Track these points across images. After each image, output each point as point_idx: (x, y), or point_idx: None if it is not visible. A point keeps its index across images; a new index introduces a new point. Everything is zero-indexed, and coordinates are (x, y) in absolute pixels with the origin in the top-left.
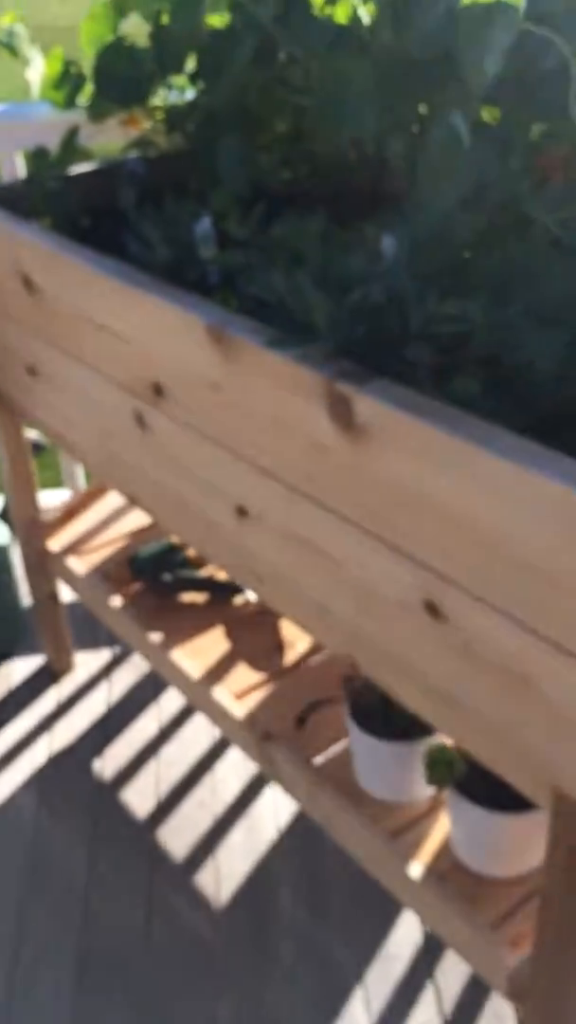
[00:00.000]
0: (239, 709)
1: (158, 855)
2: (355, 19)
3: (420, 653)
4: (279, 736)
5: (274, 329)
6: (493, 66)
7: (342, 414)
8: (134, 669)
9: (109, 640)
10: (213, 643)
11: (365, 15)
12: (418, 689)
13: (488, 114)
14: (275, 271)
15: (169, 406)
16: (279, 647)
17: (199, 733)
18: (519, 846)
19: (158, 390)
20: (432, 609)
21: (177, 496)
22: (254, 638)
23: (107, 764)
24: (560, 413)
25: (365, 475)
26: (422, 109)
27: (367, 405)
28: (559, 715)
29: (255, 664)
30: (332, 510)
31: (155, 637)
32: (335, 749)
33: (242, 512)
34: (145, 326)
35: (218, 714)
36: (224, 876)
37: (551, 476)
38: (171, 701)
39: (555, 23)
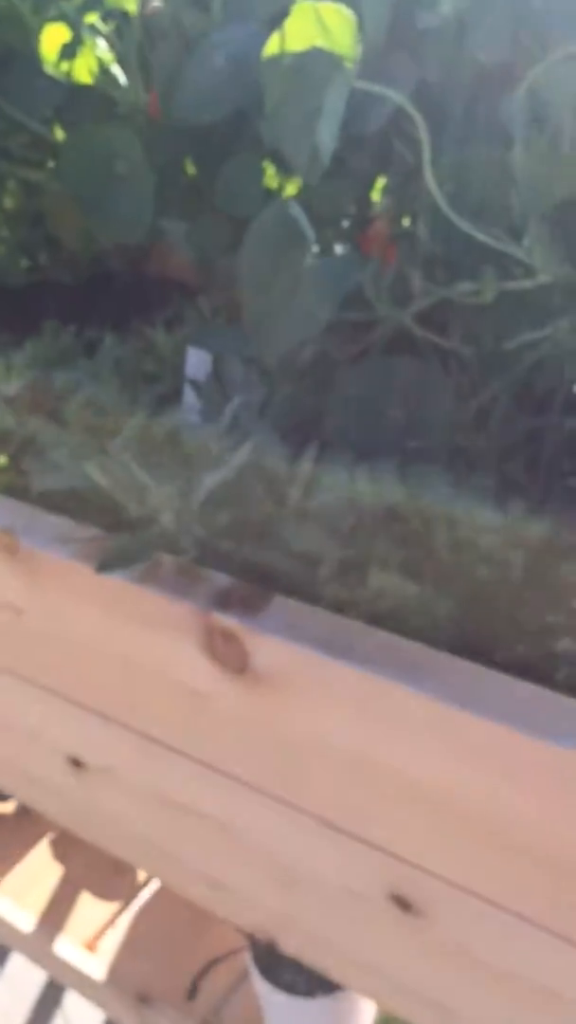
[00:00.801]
0: (96, 965)
1: None
2: (104, 77)
3: (388, 952)
4: (159, 996)
5: (92, 527)
6: (330, 143)
7: (229, 656)
8: None
9: None
10: (38, 871)
11: (120, 73)
12: (386, 990)
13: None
14: (77, 449)
15: None
16: None
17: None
18: None
19: None
20: (401, 902)
21: None
22: (89, 853)
23: None
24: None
25: (272, 731)
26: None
27: (266, 645)
28: None
29: (100, 891)
30: (222, 772)
31: None
32: (236, 1003)
33: (77, 764)
34: None
35: (69, 974)
36: None
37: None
38: None
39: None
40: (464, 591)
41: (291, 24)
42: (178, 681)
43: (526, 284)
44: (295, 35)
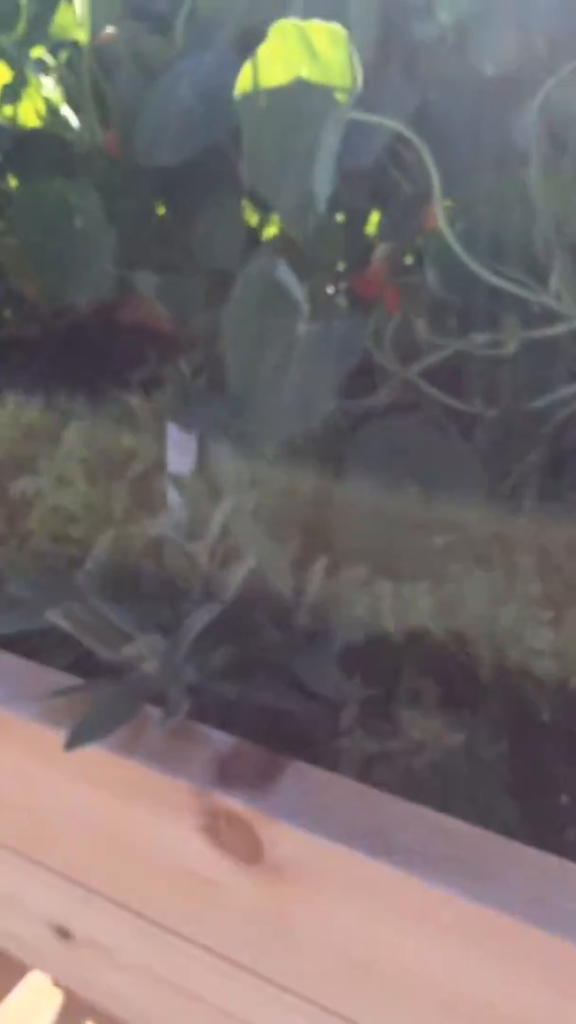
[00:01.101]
0: None
1: None
2: (54, 119)
3: None
4: None
5: (59, 671)
6: (325, 189)
7: (237, 843)
8: None
9: None
10: (33, 1000)
11: (72, 116)
12: None
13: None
14: (41, 580)
15: None
16: None
17: None
18: None
19: None
20: None
21: None
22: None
23: None
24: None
25: (293, 927)
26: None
27: (282, 833)
28: None
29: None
30: (234, 962)
31: None
32: None
33: (64, 934)
34: None
35: None
36: None
37: None
38: None
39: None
40: (518, 728)
41: (269, 49)
42: (175, 863)
43: (554, 331)
44: (274, 62)
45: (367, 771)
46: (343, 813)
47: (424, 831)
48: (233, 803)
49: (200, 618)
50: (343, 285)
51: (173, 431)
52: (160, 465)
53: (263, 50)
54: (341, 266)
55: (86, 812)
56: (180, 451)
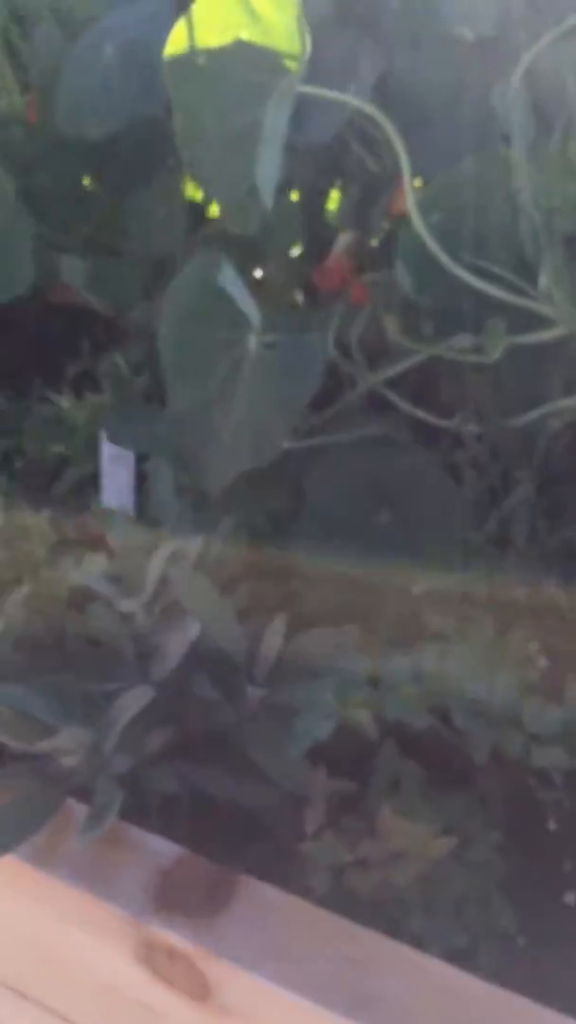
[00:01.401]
0: None
1: None
2: None
3: None
4: None
5: None
6: (271, 178)
7: (180, 978)
8: None
9: None
10: None
11: None
12: None
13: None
14: None
15: None
16: None
17: None
18: None
19: None
20: None
21: None
22: None
23: None
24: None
25: None
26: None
27: (231, 976)
28: None
29: None
30: None
31: None
32: None
33: None
34: None
35: None
36: None
37: None
38: None
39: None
40: (515, 814)
41: (203, 10)
42: (113, 986)
43: (544, 336)
44: (210, 22)
45: (337, 881)
46: (304, 952)
47: (406, 978)
48: (174, 938)
49: (130, 705)
50: (300, 275)
51: (107, 448)
52: (96, 482)
53: (197, 10)
54: (297, 250)
55: (10, 920)
56: (116, 468)
